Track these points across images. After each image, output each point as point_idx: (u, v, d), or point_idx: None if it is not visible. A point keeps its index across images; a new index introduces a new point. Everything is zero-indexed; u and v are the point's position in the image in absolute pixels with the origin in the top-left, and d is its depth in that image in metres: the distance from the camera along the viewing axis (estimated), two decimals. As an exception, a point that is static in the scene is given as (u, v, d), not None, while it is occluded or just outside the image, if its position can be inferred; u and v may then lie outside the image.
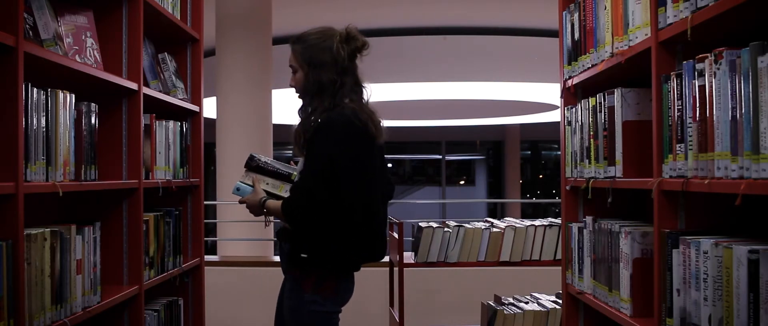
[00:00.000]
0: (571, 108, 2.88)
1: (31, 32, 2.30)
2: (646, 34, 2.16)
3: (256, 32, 7.42)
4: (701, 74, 1.80)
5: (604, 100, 2.49)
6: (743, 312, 1.61)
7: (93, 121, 2.56)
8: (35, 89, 2.13)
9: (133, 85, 2.88)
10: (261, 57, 7.41)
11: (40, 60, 2.18)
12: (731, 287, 1.67)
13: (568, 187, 2.92)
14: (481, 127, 17.49)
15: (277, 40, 7.95)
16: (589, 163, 2.65)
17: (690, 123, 1.88)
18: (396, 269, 4.11)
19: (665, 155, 2.04)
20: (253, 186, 2.78)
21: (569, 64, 2.90)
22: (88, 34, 2.71)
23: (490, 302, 3.93)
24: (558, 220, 3.92)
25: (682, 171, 1.94)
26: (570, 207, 2.94)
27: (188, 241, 3.70)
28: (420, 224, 3.96)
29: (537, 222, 3.91)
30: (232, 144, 7.33)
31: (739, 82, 1.62)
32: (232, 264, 5.10)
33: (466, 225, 3.94)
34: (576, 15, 2.80)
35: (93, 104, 2.57)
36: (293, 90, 2.80)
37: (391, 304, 4.33)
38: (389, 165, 20.25)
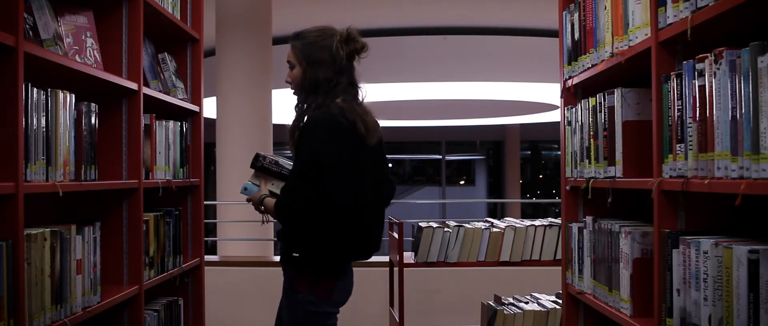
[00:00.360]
0: (571, 108, 2.88)
1: (31, 32, 2.30)
2: (646, 34, 2.16)
3: (256, 32, 7.42)
4: (701, 74, 1.80)
5: (604, 100, 2.49)
6: (743, 312, 1.61)
7: (93, 121, 2.56)
8: (35, 89, 2.13)
9: (133, 85, 2.88)
10: (261, 57, 7.41)
11: (40, 60, 2.18)
12: (731, 287, 1.67)
13: (568, 187, 2.92)
14: (481, 127, 17.49)
15: (277, 40, 7.94)
16: (589, 163, 2.65)
17: (690, 123, 1.88)
18: (396, 269, 4.11)
19: (665, 155, 2.04)
20: (259, 186, 2.81)
21: (569, 64, 2.90)
22: (88, 34, 2.71)
23: (490, 302, 3.93)
24: (558, 220, 3.92)
25: (682, 171, 1.94)
26: (570, 207, 2.94)
27: (188, 241, 3.71)
28: (420, 224, 3.96)
29: (537, 222, 3.91)
30: (232, 144, 7.34)
31: (739, 82, 1.62)
32: (232, 264, 5.10)
33: (466, 225, 3.94)
34: (576, 15, 2.80)
35: (93, 104, 2.57)
36: (289, 87, 2.82)
37: (391, 304, 4.33)
38: (389, 165, 20.25)
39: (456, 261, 3.87)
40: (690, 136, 1.88)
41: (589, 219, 2.69)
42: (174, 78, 3.49)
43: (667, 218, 2.07)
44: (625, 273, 2.33)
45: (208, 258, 4.65)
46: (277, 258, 4.96)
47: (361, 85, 2.79)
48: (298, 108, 2.77)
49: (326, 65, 2.70)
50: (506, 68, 11.30)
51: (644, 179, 2.24)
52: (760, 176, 1.55)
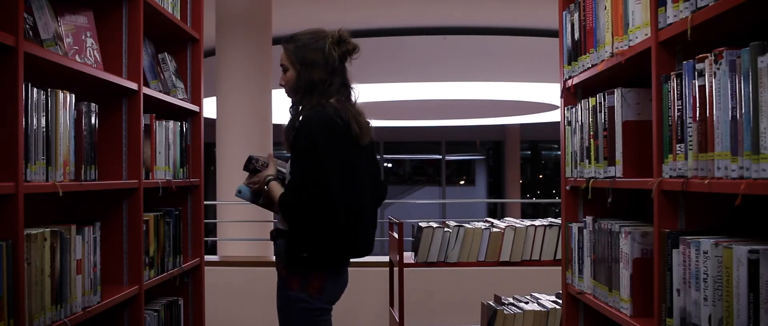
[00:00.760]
0: (571, 108, 2.88)
1: (31, 32, 2.30)
2: (646, 34, 2.16)
3: (256, 32, 7.42)
4: (701, 74, 1.80)
5: (604, 100, 2.49)
6: (743, 312, 1.61)
7: (93, 121, 2.56)
8: (35, 89, 2.13)
9: (133, 85, 2.88)
10: (261, 57, 7.41)
11: (40, 60, 2.18)
12: (731, 287, 1.67)
13: (568, 187, 2.92)
14: (481, 127, 17.50)
15: (277, 40, 7.92)
16: (589, 163, 2.65)
17: (690, 123, 1.88)
18: (396, 269, 4.11)
19: (665, 155, 2.04)
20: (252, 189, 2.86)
21: (569, 64, 2.90)
22: (88, 34, 2.71)
23: (490, 302, 3.93)
24: (558, 220, 3.92)
25: (682, 171, 1.94)
26: (570, 207, 2.94)
27: (188, 241, 3.71)
28: (420, 224, 3.96)
29: (537, 222, 3.91)
30: (232, 144, 7.33)
31: (739, 82, 1.62)
32: (232, 264, 5.10)
33: (466, 225, 3.94)
34: (576, 15, 2.81)
35: (93, 104, 2.57)
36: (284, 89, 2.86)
37: (391, 304, 4.33)
38: (389, 165, 20.27)
39: (456, 261, 3.87)
40: (690, 136, 1.88)
41: (589, 219, 2.69)
42: (174, 78, 3.49)
43: (667, 218, 2.07)
44: (625, 273, 2.33)
45: (208, 258, 4.65)
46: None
47: (353, 85, 2.83)
48: (293, 109, 2.80)
49: (320, 66, 2.74)
50: (506, 68, 11.30)
51: (644, 179, 2.24)
52: (760, 176, 1.55)
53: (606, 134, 2.49)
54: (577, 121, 2.81)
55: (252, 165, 2.85)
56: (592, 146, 2.63)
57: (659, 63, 2.08)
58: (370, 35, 10.88)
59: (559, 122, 3.08)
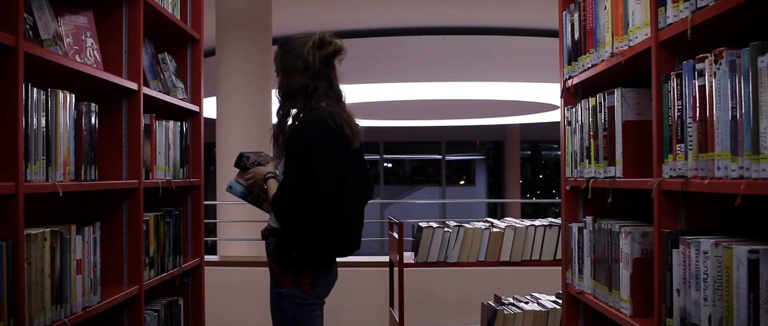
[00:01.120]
0: (571, 108, 2.88)
1: (31, 32, 2.30)
2: (646, 34, 2.16)
3: (256, 32, 7.42)
4: (701, 74, 1.80)
5: (604, 100, 2.49)
6: (743, 312, 1.61)
7: (93, 121, 2.56)
8: (35, 89, 2.13)
9: (133, 85, 2.88)
10: (261, 57, 7.41)
11: (40, 60, 2.18)
12: (731, 287, 1.67)
13: (568, 187, 2.92)
14: (481, 127, 17.50)
15: (277, 40, 7.94)
16: (589, 162, 2.65)
17: (690, 123, 1.88)
18: (396, 269, 4.11)
19: (665, 155, 2.04)
20: (245, 186, 2.91)
21: (569, 64, 2.90)
22: (88, 34, 2.70)
23: (490, 302, 3.93)
24: (558, 220, 3.92)
25: (682, 171, 1.94)
26: (570, 207, 2.94)
27: (188, 241, 3.71)
28: (420, 224, 3.96)
29: (537, 222, 3.91)
30: (232, 144, 7.33)
31: (739, 82, 1.62)
32: (232, 264, 5.10)
33: (466, 225, 3.95)
34: (576, 15, 2.81)
35: (93, 104, 2.57)
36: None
37: (391, 304, 4.33)
38: (389, 165, 20.27)
39: (456, 261, 3.87)
40: (690, 136, 1.88)
41: (589, 219, 2.69)
42: (174, 78, 3.49)
43: (667, 218, 2.07)
44: (625, 273, 2.33)
45: (208, 258, 4.65)
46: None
47: (341, 89, 2.85)
48: (279, 113, 2.84)
49: (300, 72, 2.77)
50: (506, 68, 11.30)
51: (644, 179, 2.24)
52: (760, 176, 1.55)
53: (606, 134, 2.49)
54: (577, 121, 2.81)
55: (243, 163, 2.90)
56: (592, 146, 2.63)
57: (659, 63, 2.08)
58: (370, 35, 10.89)
59: (559, 122, 3.08)
